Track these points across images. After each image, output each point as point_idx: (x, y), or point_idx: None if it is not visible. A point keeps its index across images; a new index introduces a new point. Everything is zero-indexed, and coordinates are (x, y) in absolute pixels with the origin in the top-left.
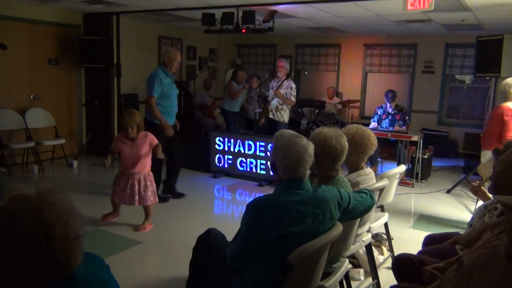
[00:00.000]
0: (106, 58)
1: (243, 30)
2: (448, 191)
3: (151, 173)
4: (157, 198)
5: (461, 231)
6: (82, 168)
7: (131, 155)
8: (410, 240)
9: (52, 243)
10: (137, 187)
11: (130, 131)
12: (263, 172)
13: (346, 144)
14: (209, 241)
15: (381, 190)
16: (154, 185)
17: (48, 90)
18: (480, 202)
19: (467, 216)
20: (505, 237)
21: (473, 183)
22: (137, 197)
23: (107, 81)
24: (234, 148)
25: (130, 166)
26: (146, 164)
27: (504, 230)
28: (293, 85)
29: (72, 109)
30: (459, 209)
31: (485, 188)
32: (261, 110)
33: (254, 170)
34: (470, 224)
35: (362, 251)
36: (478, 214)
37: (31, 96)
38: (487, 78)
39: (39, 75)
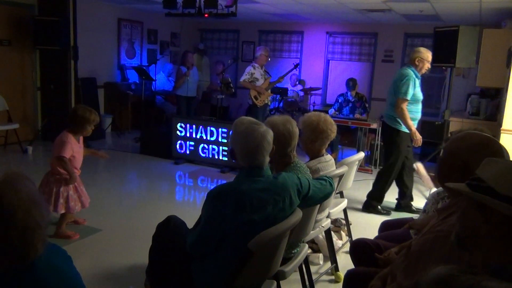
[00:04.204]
0: (62, 40)
1: (206, 15)
2: None
3: (60, 184)
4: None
5: (415, 217)
6: (37, 154)
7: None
8: (367, 225)
9: (9, 229)
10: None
11: (91, 130)
12: (225, 158)
13: (296, 130)
14: (169, 228)
15: (341, 176)
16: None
17: None
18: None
19: (421, 202)
20: (456, 223)
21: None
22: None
23: (63, 64)
24: (196, 134)
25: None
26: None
27: (449, 216)
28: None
29: (26, 92)
30: (414, 194)
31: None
32: (223, 97)
33: (216, 157)
34: (424, 210)
35: (321, 236)
36: (432, 201)
37: None
38: (443, 68)
39: None
